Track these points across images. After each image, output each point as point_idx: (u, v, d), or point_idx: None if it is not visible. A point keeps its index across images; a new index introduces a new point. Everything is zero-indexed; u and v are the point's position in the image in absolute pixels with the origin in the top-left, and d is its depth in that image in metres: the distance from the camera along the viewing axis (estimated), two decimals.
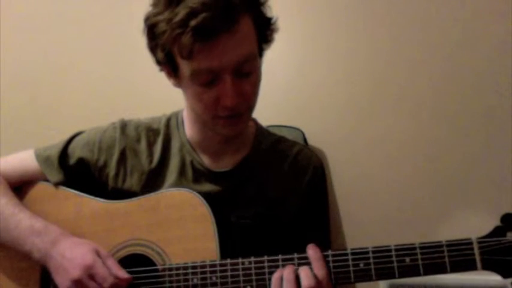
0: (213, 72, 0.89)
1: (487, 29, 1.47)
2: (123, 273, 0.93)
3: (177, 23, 0.84)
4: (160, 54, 0.92)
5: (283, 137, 1.16)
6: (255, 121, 1.15)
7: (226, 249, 0.94)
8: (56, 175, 1.08)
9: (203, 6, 0.83)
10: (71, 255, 0.95)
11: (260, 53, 0.97)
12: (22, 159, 1.12)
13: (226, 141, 1.06)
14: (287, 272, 0.87)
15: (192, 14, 0.83)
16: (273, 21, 0.97)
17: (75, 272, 0.92)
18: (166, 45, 0.90)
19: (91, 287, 0.91)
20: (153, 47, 0.94)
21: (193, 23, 0.83)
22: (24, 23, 1.79)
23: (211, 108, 0.94)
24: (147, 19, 0.92)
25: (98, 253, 0.95)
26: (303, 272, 0.86)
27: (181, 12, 0.84)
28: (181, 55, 0.88)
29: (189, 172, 1.06)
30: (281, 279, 0.87)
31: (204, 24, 0.83)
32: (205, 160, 1.07)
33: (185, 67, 0.90)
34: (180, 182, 1.05)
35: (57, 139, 1.12)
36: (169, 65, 0.94)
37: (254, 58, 0.94)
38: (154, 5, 0.91)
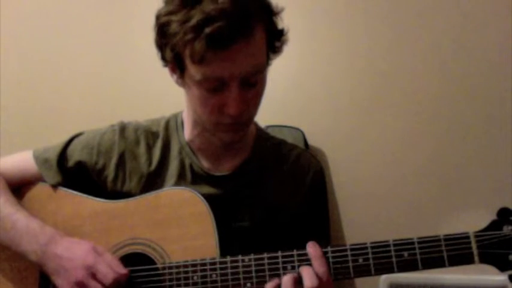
0: (221, 80, 0.88)
1: (487, 29, 1.48)
2: (121, 268, 0.94)
3: (191, 27, 0.83)
4: (168, 54, 0.91)
5: (284, 140, 1.15)
6: (255, 124, 1.13)
7: (226, 252, 0.94)
8: (54, 177, 1.07)
9: (219, 14, 0.82)
10: (70, 255, 0.95)
11: (267, 63, 0.96)
12: (21, 161, 1.11)
13: (225, 145, 1.04)
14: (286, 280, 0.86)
15: (208, 20, 0.82)
16: (284, 32, 0.96)
17: (79, 273, 0.93)
18: (176, 47, 0.88)
19: (93, 286, 0.92)
20: (161, 45, 0.92)
21: (208, 30, 0.82)
22: (25, 23, 1.80)
23: (214, 113, 0.93)
24: (158, 16, 0.90)
25: (95, 251, 0.95)
26: (305, 271, 0.85)
27: (196, 16, 0.82)
28: (192, 59, 0.86)
29: (188, 175, 1.05)
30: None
31: (219, 33, 0.82)
32: (205, 163, 1.06)
33: (194, 71, 0.89)
34: (179, 185, 1.04)
35: (57, 139, 1.11)
36: (176, 64, 0.93)
37: (263, 69, 0.93)
38: (168, 2, 0.89)
